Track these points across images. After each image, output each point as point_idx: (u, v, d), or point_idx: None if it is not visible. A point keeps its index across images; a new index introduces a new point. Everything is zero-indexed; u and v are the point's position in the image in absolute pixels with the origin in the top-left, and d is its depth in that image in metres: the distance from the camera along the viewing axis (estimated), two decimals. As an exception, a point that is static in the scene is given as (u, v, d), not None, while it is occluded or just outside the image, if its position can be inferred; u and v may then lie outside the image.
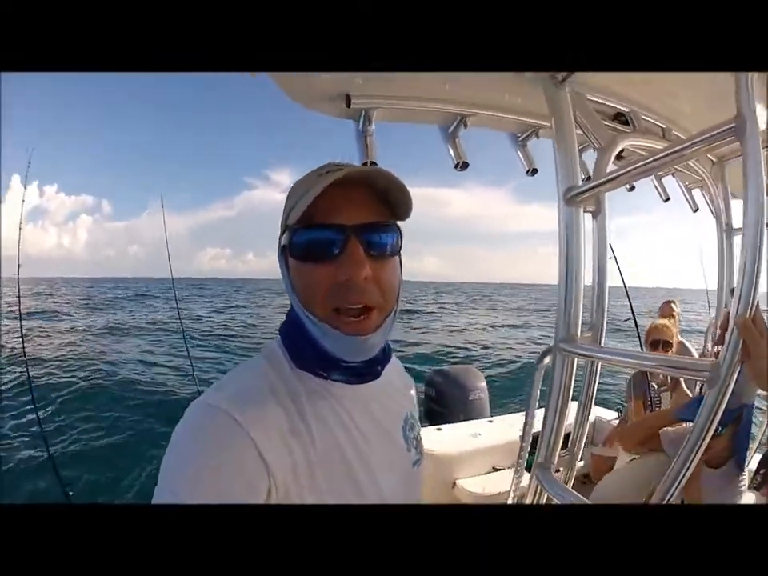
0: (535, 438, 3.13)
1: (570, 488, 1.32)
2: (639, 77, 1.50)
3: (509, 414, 3.48)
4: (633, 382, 2.64)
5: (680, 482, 0.98)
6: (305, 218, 0.59)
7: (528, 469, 1.45)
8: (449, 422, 3.27)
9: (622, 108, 1.59)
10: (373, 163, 1.42)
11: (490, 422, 3.25)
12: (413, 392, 0.87)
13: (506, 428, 3.10)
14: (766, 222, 0.85)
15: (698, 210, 2.33)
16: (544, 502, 1.39)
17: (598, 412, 3.42)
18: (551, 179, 1.34)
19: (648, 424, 1.79)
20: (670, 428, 1.63)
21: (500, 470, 2.87)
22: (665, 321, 2.83)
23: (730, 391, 0.89)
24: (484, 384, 3.72)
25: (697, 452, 0.95)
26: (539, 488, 1.36)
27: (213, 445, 0.54)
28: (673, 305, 3.33)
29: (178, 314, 3.92)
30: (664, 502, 0.97)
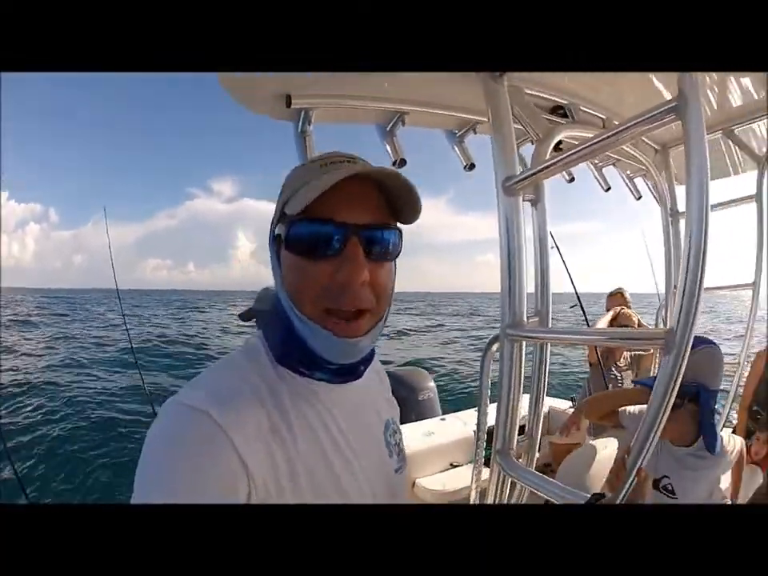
0: (490, 433, 3.19)
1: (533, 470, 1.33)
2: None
3: (460, 410, 3.51)
4: (589, 380, 2.75)
5: (646, 453, 1.00)
6: (306, 210, 0.56)
7: (487, 463, 1.45)
8: (402, 423, 3.24)
9: (560, 101, 1.66)
10: None
11: (443, 419, 3.27)
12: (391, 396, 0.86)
13: (460, 425, 3.12)
14: (709, 203, 0.87)
15: (640, 197, 2.46)
16: (508, 487, 1.41)
17: (551, 402, 3.51)
18: (484, 189, 1.36)
19: (614, 398, 1.85)
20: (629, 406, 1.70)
21: (458, 466, 2.88)
22: (628, 310, 2.97)
23: (686, 357, 0.91)
24: (432, 384, 3.74)
25: (660, 422, 0.98)
26: (501, 474, 1.37)
27: (190, 446, 0.51)
28: (620, 295, 3.35)
29: (125, 324, 3.80)
30: (630, 477, 1.00)
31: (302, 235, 0.58)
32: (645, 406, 1.63)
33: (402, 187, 0.59)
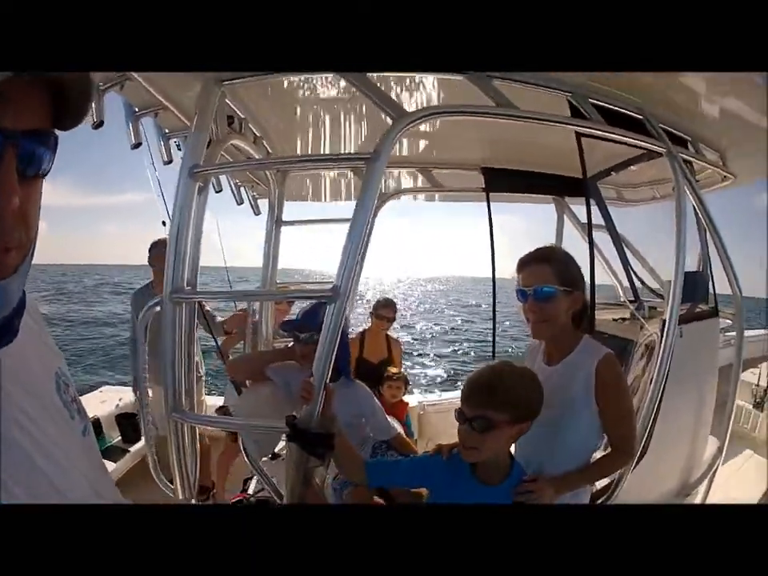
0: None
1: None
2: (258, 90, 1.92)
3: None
4: None
5: (326, 374, 1.33)
6: None
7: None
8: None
9: (239, 113, 1.96)
10: None
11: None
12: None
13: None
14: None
15: (260, 213, 2.94)
16: (188, 434, 1.58)
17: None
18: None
19: (258, 359, 2.16)
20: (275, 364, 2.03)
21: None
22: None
23: (345, 308, 1.35)
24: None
25: (332, 351, 1.33)
26: (180, 424, 1.54)
27: None
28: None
29: None
30: (320, 393, 1.31)
31: None
32: (287, 362, 2.05)
33: (72, 84, 0.46)
